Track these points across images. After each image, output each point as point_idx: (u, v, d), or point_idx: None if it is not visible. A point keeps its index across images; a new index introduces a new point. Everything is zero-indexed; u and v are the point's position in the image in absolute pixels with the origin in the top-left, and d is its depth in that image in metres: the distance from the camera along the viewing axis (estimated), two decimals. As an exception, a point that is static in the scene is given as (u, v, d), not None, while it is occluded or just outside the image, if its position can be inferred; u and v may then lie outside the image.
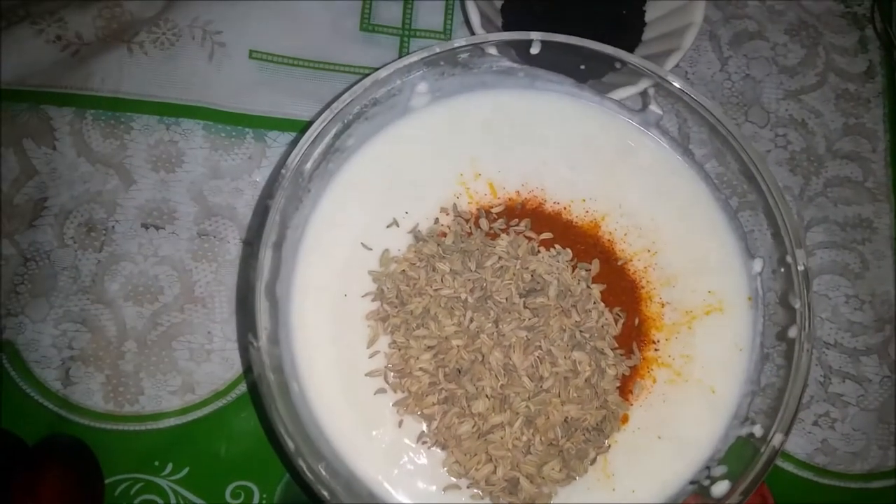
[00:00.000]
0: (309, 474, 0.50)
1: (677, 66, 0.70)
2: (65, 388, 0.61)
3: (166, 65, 0.67)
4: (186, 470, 0.60)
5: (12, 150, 0.64)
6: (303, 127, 0.66)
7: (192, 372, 0.62)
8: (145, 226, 0.64)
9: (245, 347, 0.60)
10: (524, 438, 0.53)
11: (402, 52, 0.69)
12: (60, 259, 0.63)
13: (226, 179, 0.65)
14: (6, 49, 0.66)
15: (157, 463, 0.60)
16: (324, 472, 0.51)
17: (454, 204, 0.59)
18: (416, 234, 0.58)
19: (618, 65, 0.59)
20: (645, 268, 0.59)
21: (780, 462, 0.65)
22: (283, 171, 0.54)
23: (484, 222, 0.58)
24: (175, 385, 0.62)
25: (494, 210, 0.59)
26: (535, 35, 0.57)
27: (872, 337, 0.68)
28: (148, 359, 0.62)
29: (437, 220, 0.58)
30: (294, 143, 0.57)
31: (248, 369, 0.62)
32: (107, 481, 0.59)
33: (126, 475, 0.60)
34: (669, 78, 0.58)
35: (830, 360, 0.67)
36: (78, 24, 0.67)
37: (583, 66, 0.60)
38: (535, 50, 0.58)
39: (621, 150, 0.61)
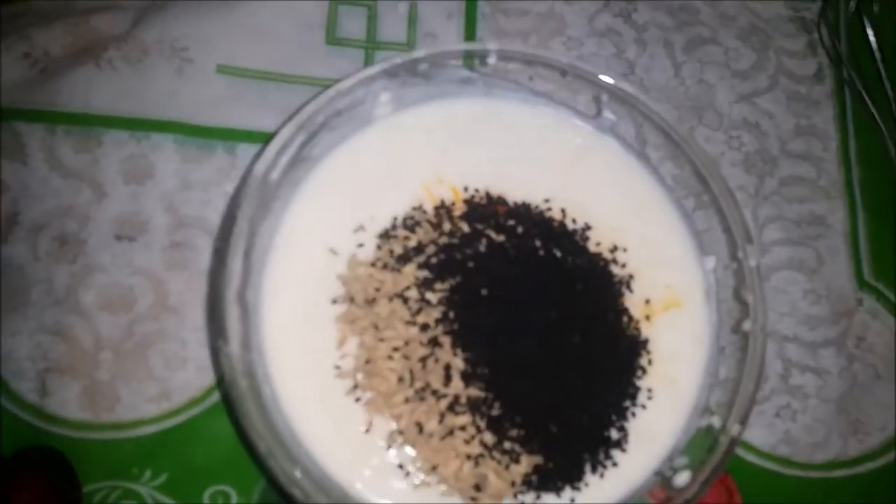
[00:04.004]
0: (281, 476, 0.51)
1: (633, 73, 0.73)
2: (41, 399, 0.62)
3: (135, 81, 0.68)
4: (165, 476, 0.61)
5: (-16, 166, 0.65)
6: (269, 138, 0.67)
7: (167, 380, 0.63)
8: (118, 237, 0.65)
9: (216, 355, 0.61)
10: (489, 436, 0.54)
11: (367, 64, 0.71)
12: (34, 272, 0.64)
13: (196, 191, 0.67)
14: (-25, 68, 0.67)
15: (135, 470, 0.61)
16: (297, 474, 0.52)
17: (419, 208, 0.61)
18: (383, 238, 0.59)
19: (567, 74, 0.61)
20: (604, 265, 0.61)
21: (743, 453, 0.67)
22: (249, 179, 0.56)
23: (447, 225, 0.60)
24: (151, 393, 0.63)
25: (457, 213, 0.61)
26: (490, 46, 0.59)
27: (830, 329, 0.70)
28: (124, 367, 0.63)
29: (402, 224, 0.60)
30: (260, 152, 0.58)
31: (220, 379, 0.63)
32: (85, 490, 0.60)
33: (104, 483, 0.61)
34: (622, 85, 0.61)
35: (790, 354, 0.70)
36: (45, 41, 0.68)
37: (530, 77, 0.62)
38: (492, 60, 0.60)
39: (578, 154, 0.63)
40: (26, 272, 0.64)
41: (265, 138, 0.68)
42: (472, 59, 0.64)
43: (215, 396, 0.63)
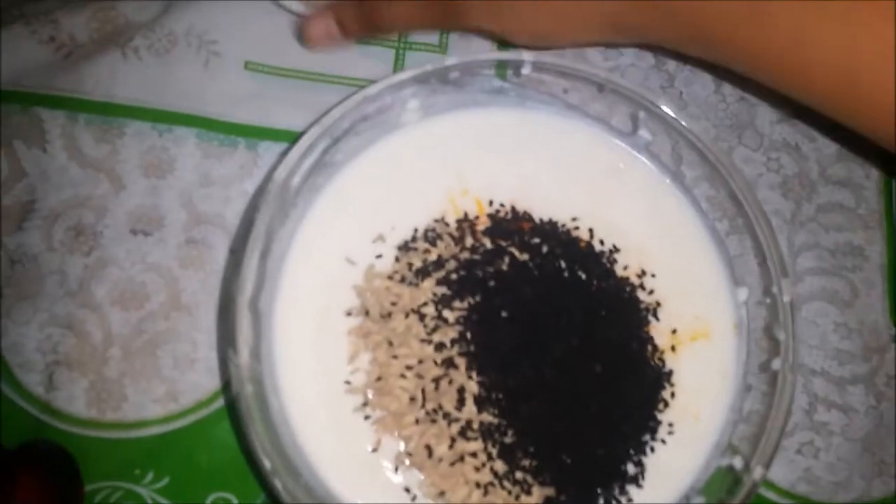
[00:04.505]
0: (285, 496, 0.50)
1: (672, 86, 0.70)
2: (47, 392, 0.61)
3: (160, 71, 0.66)
4: (167, 479, 0.60)
5: (2, 151, 0.64)
6: (294, 138, 0.66)
7: (175, 380, 0.62)
8: (134, 231, 0.64)
9: (224, 361, 0.60)
10: (501, 464, 0.53)
11: (398, 64, 0.69)
12: (47, 262, 0.63)
13: (216, 188, 0.65)
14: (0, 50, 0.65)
15: (137, 471, 0.60)
16: (301, 492, 0.51)
17: (441, 220, 0.59)
18: (402, 250, 0.58)
19: (605, 89, 0.59)
20: (631, 290, 0.59)
21: (761, 490, 0.64)
22: (269, 185, 0.54)
23: (469, 240, 0.58)
24: (158, 393, 0.61)
25: (480, 227, 0.59)
26: (525, 56, 0.57)
27: (860, 366, 0.68)
28: (132, 366, 0.62)
29: (423, 237, 0.58)
30: (284, 154, 0.57)
31: (227, 384, 0.61)
32: (87, 488, 0.59)
33: (106, 483, 0.60)
34: (660, 103, 0.58)
35: (816, 388, 0.67)
36: (71, 26, 0.67)
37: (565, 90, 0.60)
38: (526, 70, 0.58)
39: (610, 172, 0.61)
40: (40, 262, 0.63)
41: (289, 137, 0.66)
42: (505, 69, 0.62)
43: (222, 400, 0.62)
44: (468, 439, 0.53)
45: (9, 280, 0.62)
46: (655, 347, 0.58)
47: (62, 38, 0.67)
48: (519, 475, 0.53)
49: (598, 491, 0.54)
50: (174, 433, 0.61)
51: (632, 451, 0.56)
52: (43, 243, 0.63)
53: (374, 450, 0.54)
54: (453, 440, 0.53)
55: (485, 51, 0.68)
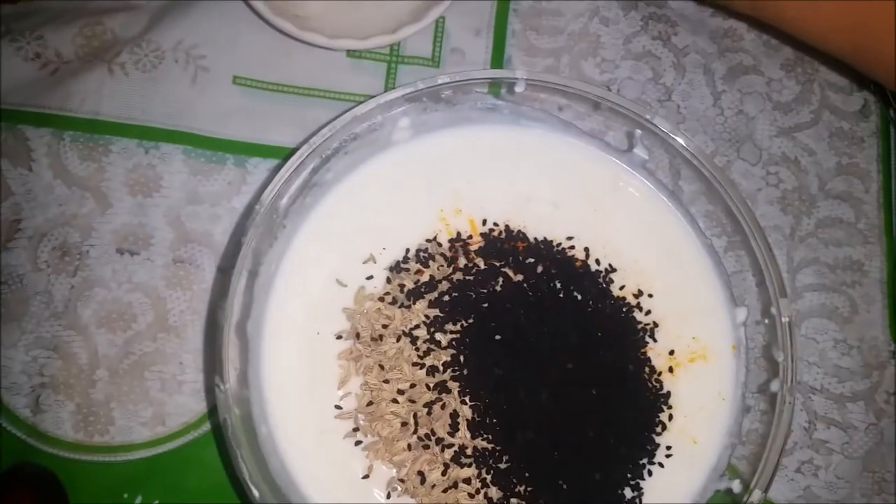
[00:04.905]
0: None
1: (669, 99, 0.69)
2: (34, 415, 0.60)
3: (147, 87, 0.65)
4: (156, 503, 0.59)
5: (-12, 170, 0.63)
6: (285, 154, 0.65)
7: (163, 403, 0.61)
8: (120, 251, 0.63)
9: (212, 388, 0.59)
10: (495, 490, 0.52)
11: (389, 78, 0.68)
12: (33, 283, 0.62)
13: (204, 205, 0.64)
14: (-14, 67, 0.64)
15: (126, 495, 0.59)
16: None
17: (434, 240, 0.58)
18: (393, 271, 0.57)
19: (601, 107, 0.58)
20: (628, 310, 0.58)
21: (761, 510, 0.64)
22: (257, 206, 0.53)
23: (462, 260, 0.57)
24: (146, 416, 0.60)
25: (473, 247, 0.58)
26: (519, 73, 0.56)
27: (859, 383, 0.67)
28: (119, 388, 0.60)
29: (415, 257, 0.57)
30: (275, 171, 0.55)
31: (213, 408, 0.60)
32: (74, 512, 0.58)
33: (94, 507, 0.59)
34: (656, 120, 0.57)
35: (816, 406, 0.66)
36: (58, 42, 0.65)
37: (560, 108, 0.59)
38: (520, 88, 0.57)
39: (606, 190, 0.60)
40: (25, 282, 0.62)
41: (279, 153, 0.65)
42: (498, 87, 0.61)
43: (209, 423, 0.60)
44: (462, 465, 0.52)
45: (-6, 301, 0.61)
46: (653, 369, 0.57)
47: (48, 54, 0.65)
48: (514, 501, 0.52)
49: (595, 516, 0.53)
50: (162, 456, 0.60)
51: (629, 475, 0.55)
52: (28, 264, 0.62)
53: (366, 476, 0.53)
54: (447, 466, 0.52)
55: (477, 67, 0.67)
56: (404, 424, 0.53)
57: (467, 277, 0.56)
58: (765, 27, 0.71)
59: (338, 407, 0.54)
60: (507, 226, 0.59)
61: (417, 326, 0.54)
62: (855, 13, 0.62)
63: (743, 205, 0.58)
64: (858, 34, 0.63)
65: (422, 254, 0.57)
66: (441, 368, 0.54)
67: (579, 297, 0.57)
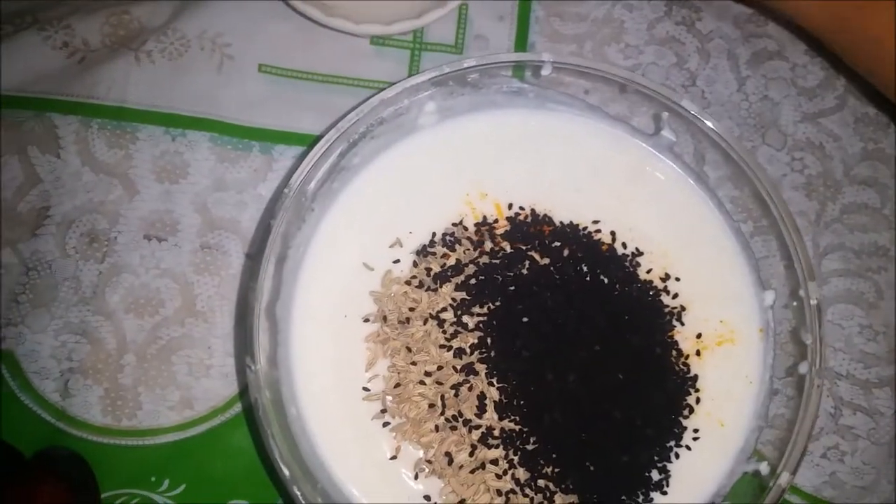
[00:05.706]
0: (304, 503, 0.49)
1: (693, 84, 0.69)
2: (63, 400, 0.60)
3: (174, 75, 0.66)
4: (183, 487, 0.60)
5: (16, 157, 0.63)
6: (310, 141, 0.65)
7: (190, 387, 0.61)
8: (148, 237, 0.63)
9: (242, 370, 0.59)
10: (522, 471, 0.52)
11: (413, 65, 0.68)
12: (62, 269, 0.62)
13: (230, 192, 0.64)
14: (13, 55, 0.65)
15: (153, 479, 0.60)
16: (319, 500, 0.50)
17: (460, 224, 0.58)
18: (420, 255, 0.57)
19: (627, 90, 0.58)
20: (654, 294, 0.58)
21: (786, 495, 0.63)
22: (285, 190, 0.54)
23: (488, 244, 0.57)
24: (173, 400, 0.61)
25: (499, 231, 0.58)
26: (546, 56, 0.56)
27: (885, 369, 0.66)
28: (147, 373, 0.61)
29: (442, 241, 0.57)
30: (301, 158, 0.56)
31: (244, 390, 0.61)
32: (103, 496, 0.59)
33: (122, 490, 0.59)
34: (683, 103, 0.57)
35: (842, 392, 0.66)
36: (85, 31, 0.66)
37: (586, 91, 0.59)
38: (546, 71, 0.57)
39: (632, 174, 0.60)
40: (54, 268, 0.62)
41: (304, 140, 0.65)
42: (523, 71, 0.61)
43: (238, 407, 0.61)
44: (489, 446, 0.52)
45: (24, 287, 0.62)
46: (680, 352, 0.57)
47: (76, 43, 0.66)
48: (541, 482, 0.52)
49: (623, 498, 0.53)
50: (190, 440, 0.60)
51: (656, 458, 0.55)
52: (57, 250, 0.62)
53: (394, 457, 0.53)
54: (474, 447, 0.52)
55: (503, 51, 0.67)
56: (431, 406, 0.53)
57: (494, 261, 0.56)
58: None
59: (366, 389, 0.54)
60: (532, 209, 0.59)
61: (444, 309, 0.55)
62: (838, 16, 0.63)
63: (772, 187, 0.58)
64: (846, 35, 0.64)
65: (448, 238, 0.57)
66: (468, 350, 0.54)
67: (606, 280, 0.57)
